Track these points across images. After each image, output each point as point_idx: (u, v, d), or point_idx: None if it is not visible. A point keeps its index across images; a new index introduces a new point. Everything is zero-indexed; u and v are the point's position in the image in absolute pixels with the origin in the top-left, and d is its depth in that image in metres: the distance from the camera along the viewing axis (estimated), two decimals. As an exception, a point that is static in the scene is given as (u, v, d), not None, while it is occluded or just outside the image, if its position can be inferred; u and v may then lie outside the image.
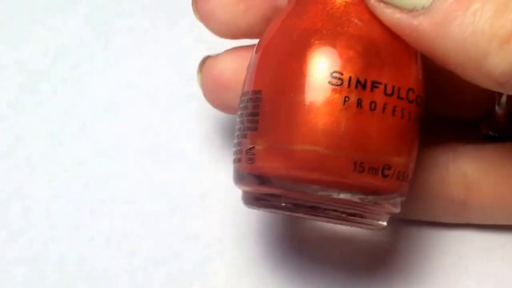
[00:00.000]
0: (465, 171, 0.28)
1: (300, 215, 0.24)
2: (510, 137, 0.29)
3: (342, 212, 0.24)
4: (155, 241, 0.30)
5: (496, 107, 0.29)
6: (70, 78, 0.32)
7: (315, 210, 0.24)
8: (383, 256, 0.29)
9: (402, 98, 0.23)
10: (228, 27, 0.26)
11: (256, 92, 0.24)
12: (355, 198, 0.23)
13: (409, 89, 0.23)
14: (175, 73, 0.32)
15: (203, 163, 0.31)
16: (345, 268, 0.29)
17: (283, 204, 0.24)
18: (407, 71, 0.24)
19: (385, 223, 0.25)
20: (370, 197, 0.24)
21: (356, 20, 0.23)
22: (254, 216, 0.29)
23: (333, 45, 0.23)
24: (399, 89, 0.23)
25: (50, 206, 0.30)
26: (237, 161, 0.25)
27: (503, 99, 0.28)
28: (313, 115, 0.23)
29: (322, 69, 0.23)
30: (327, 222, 0.26)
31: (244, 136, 0.24)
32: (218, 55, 0.28)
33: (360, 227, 0.25)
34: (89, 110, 0.32)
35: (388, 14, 0.23)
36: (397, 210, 0.25)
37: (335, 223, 0.26)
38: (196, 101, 0.31)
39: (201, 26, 0.30)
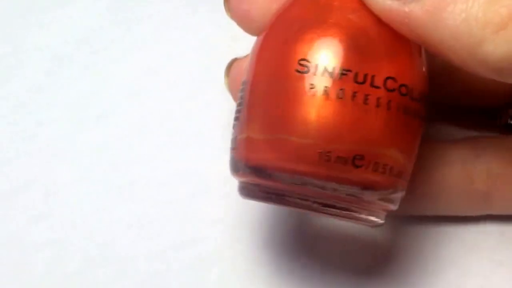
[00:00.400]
0: (489, 165, 0.27)
1: (293, 207, 0.24)
2: None
3: (330, 205, 0.23)
4: (175, 226, 0.30)
5: None
6: (92, 64, 0.33)
7: (304, 201, 0.23)
8: (385, 255, 0.29)
9: (377, 87, 0.22)
10: (262, 26, 0.26)
11: (244, 82, 0.24)
12: (329, 186, 0.23)
13: (388, 78, 0.22)
14: (196, 59, 0.32)
15: (224, 149, 0.31)
16: (349, 265, 0.29)
17: (267, 193, 0.24)
18: (388, 60, 0.23)
19: (381, 220, 0.24)
20: (352, 190, 0.23)
21: (337, 9, 0.23)
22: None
23: (307, 33, 0.23)
24: (373, 77, 0.22)
25: (72, 190, 0.31)
26: (231, 150, 0.25)
27: None
28: (282, 104, 0.23)
29: (290, 57, 0.23)
30: (323, 215, 0.25)
31: (233, 126, 0.25)
32: (245, 57, 0.27)
33: (356, 223, 0.25)
34: (111, 95, 0.32)
35: (379, 2, 0.22)
36: (393, 207, 0.24)
37: (329, 217, 0.25)
38: (216, 87, 0.31)
39: (221, 13, 0.31)
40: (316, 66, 0.22)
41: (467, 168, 0.27)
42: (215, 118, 0.31)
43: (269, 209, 0.30)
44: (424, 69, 0.24)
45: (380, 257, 0.29)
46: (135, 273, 0.30)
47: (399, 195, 0.24)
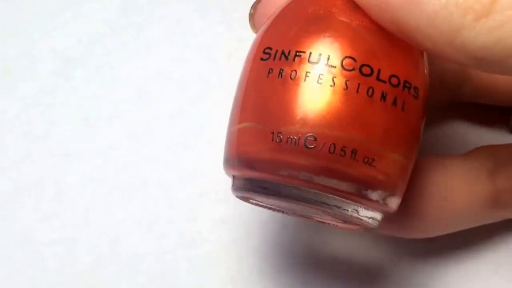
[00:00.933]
0: (510, 175, 0.27)
1: (284, 207, 0.24)
2: None
3: (321, 203, 0.23)
4: (184, 225, 0.30)
5: None
6: (103, 65, 0.33)
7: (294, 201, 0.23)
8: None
9: (333, 66, 0.22)
10: None
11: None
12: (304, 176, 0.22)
13: (347, 57, 0.22)
14: (206, 61, 0.32)
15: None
16: (348, 264, 0.30)
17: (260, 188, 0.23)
18: (353, 41, 0.22)
19: (374, 223, 0.24)
20: (334, 181, 0.22)
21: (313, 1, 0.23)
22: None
23: (277, 22, 0.23)
24: (328, 56, 0.22)
25: (83, 189, 0.31)
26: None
27: None
28: (249, 92, 0.23)
29: (258, 47, 0.23)
30: (314, 218, 0.25)
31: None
32: None
33: (349, 227, 0.24)
34: (121, 96, 0.32)
35: None
36: (388, 209, 0.24)
37: (321, 219, 0.25)
38: (225, 88, 0.31)
39: (231, 16, 0.31)
40: (276, 52, 0.22)
41: (492, 185, 0.27)
42: (223, 119, 0.31)
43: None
44: (422, 66, 0.24)
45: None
46: (143, 271, 0.30)
47: (396, 198, 0.23)
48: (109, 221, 0.31)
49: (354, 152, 0.22)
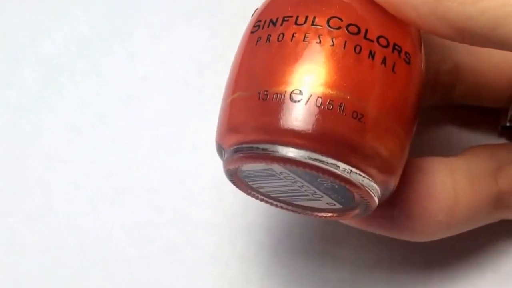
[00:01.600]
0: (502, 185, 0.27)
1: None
2: None
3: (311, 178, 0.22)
4: (170, 229, 0.30)
5: None
6: (90, 70, 0.33)
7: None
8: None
9: (319, 25, 0.22)
10: None
11: None
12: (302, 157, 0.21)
13: (333, 17, 0.22)
14: (191, 66, 0.33)
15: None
16: (345, 264, 0.30)
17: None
18: (341, 6, 0.22)
19: (368, 187, 0.23)
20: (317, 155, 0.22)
21: None
22: (266, 206, 0.30)
23: (268, 3, 0.24)
24: (314, 17, 0.22)
25: (69, 194, 0.31)
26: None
27: None
28: (239, 65, 0.23)
29: (249, 25, 0.24)
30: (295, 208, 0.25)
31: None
32: None
33: (343, 214, 0.24)
34: (108, 101, 0.32)
35: None
36: (380, 181, 0.23)
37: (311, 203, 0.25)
38: (210, 93, 0.32)
39: (217, 21, 0.31)
40: (265, 22, 0.23)
41: (495, 182, 0.27)
42: (208, 123, 0.31)
43: (263, 210, 0.30)
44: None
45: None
46: (129, 275, 0.30)
47: (392, 175, 0.23)
48: (95, 225, 0.31)
49: (341, 106, 0.21)
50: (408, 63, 0.22)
